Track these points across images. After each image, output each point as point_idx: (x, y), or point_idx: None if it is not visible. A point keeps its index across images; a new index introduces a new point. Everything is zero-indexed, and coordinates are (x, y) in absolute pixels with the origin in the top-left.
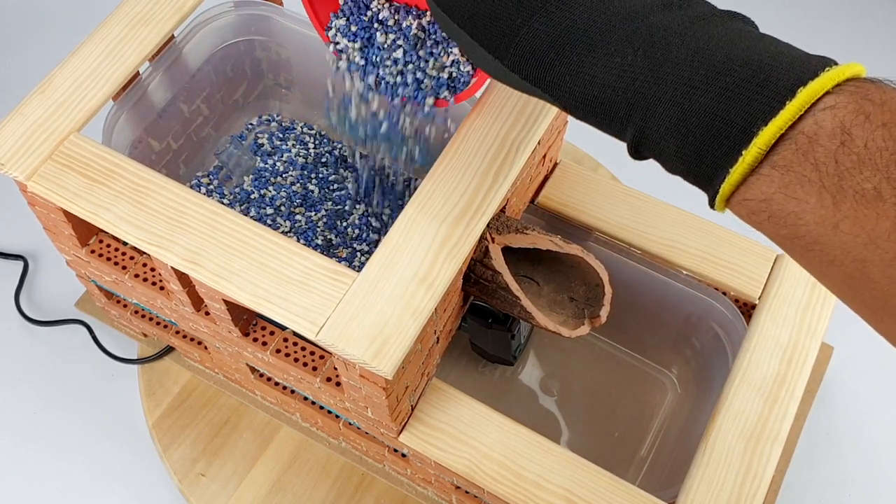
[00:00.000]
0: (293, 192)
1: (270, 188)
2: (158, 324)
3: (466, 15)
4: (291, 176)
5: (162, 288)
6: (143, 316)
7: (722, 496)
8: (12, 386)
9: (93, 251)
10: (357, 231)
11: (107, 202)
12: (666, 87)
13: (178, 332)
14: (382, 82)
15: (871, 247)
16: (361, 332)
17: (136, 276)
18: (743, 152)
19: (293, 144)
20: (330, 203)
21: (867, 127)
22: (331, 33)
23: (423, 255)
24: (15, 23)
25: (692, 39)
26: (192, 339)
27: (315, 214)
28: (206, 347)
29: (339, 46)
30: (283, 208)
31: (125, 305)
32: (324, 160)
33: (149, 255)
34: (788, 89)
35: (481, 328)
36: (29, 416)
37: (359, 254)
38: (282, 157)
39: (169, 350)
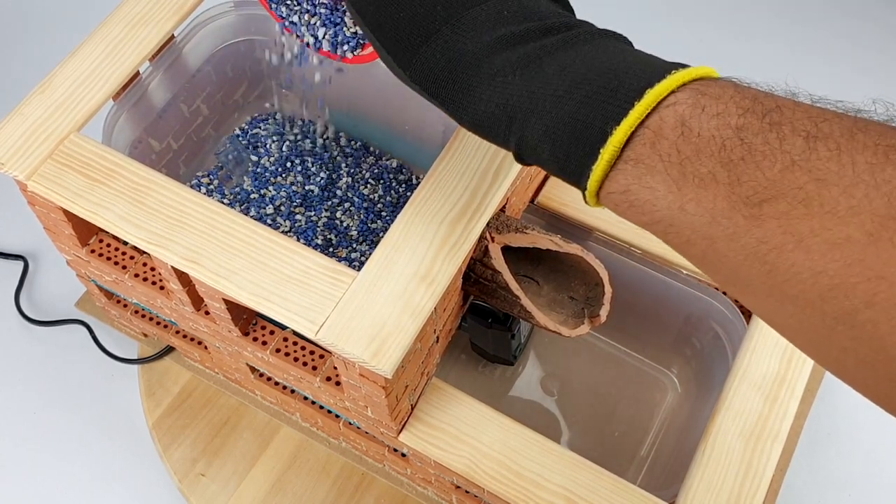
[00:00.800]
0: (293, 191)
1: (270, 188)
2: (158, 324)
3: (375, 24)
4: (291, 175)
5: (162, 287)
6: (144, 316)
7: (722, 495)
8: (12, 386)
9: (93, 251)
10: (357, 231)
11: (107, 201)
12: (537, 100)
13: (178, 332)
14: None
15: (714, 224)
16: (361, 331)
17: (136, 275)
18: (601, 151)
19: (293, 144)
20: (330, 203)
21: (702, 118)
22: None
23: (422, 255)
24: (15, 23)
25: (562, 57)
26: (192, 339)
27: (315, 214)
28: (206, 347)
29: (284, 14)
30: (282, 208)
31: (125, 305)
32: (323, 159)
33: (149, 255)
34: (637, 91)
35: (481, 328)
36: (29, 416)
37: (358, 253)
38: (282, 156)
39: (169, 350)
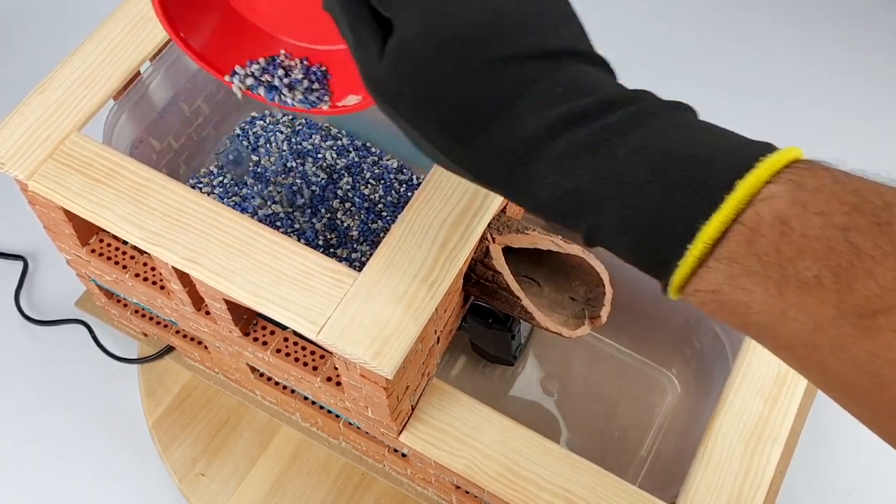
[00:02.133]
0: (293, 191)
1: (271, 187)
2: (159, 323)
3: (416, 119)
4: (292, 175)
5: (162, 287)
6: (144, 315)
7: (722, 496)
8: (12, 386)
9: (93, 250)
10: (357, 231)
11: (107, 201)
12: (610, 188)
13: (178, 332)
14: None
15: (818, 333)
16: (362, 332)
17: (137, 275)
18: (689, 247)
19: (294, 144)
20: (330, 203)
21: (804, 216)
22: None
23: (423, 255)
24: (15, 23)
25: (633, 138)
26: (192, 339)
27: (316, 214)
28: (206, 347)
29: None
30: (283, 207)
31: (125, 305)
32: (325, 160)
33: (149, 255)
34: (727, 183)
35: (482, 328)
36: (29, 416)
37: (359, 253)
38: (282, 156)
39: (169, 350)
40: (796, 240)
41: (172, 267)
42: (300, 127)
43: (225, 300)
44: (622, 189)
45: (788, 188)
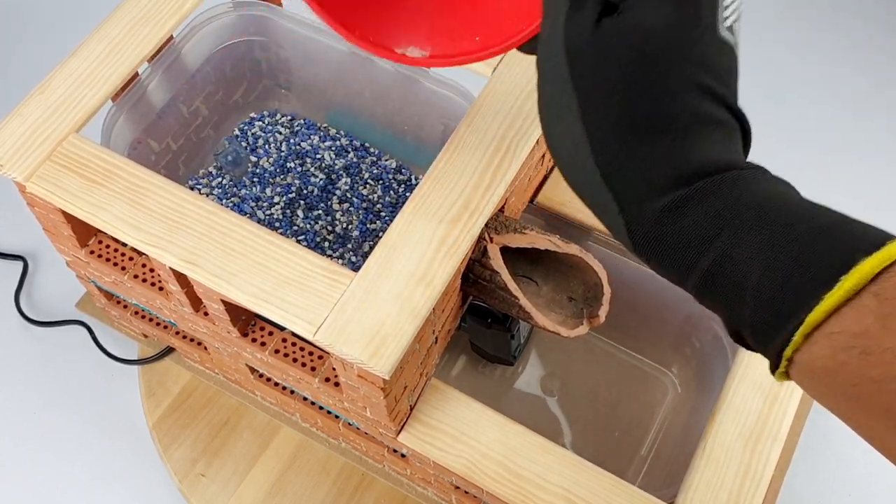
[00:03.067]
0: (293, 191)
1: (269, 188)
2: (158, 324)
3: (596, 97)
4: (291, 176)
5: (161, 289)
6: (144, 317)
7: (721, 496)
8: (12, 386)
9: (92, 252)
10: (356, 231)
11: (105, 203)
12: (756, 211)
13: (177, 333)
14: None
15: None
16: (359, 332)
17: (136, 276)
18: (842, 279)
19: (293, 145)
20: (329, 203)
21: None
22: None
23: (420, 255)
24: (14, 23)
25: (785, 204)
26: (191, 340)
27: (314, 214)
28: (205, 348)
29: None
30: (281, 208)
31: (125, 306)
32: (323, 160)
33: (148, 256)
34: (885, 236)
35: (480, 328)
36: (29, 416)
37: (357, 254)
38: (281, 157)
39: (169, 351)
40: None
41: (170, 268)
42: (299, 128)
43: (223, 301)
44: (770, 213)
45: None
